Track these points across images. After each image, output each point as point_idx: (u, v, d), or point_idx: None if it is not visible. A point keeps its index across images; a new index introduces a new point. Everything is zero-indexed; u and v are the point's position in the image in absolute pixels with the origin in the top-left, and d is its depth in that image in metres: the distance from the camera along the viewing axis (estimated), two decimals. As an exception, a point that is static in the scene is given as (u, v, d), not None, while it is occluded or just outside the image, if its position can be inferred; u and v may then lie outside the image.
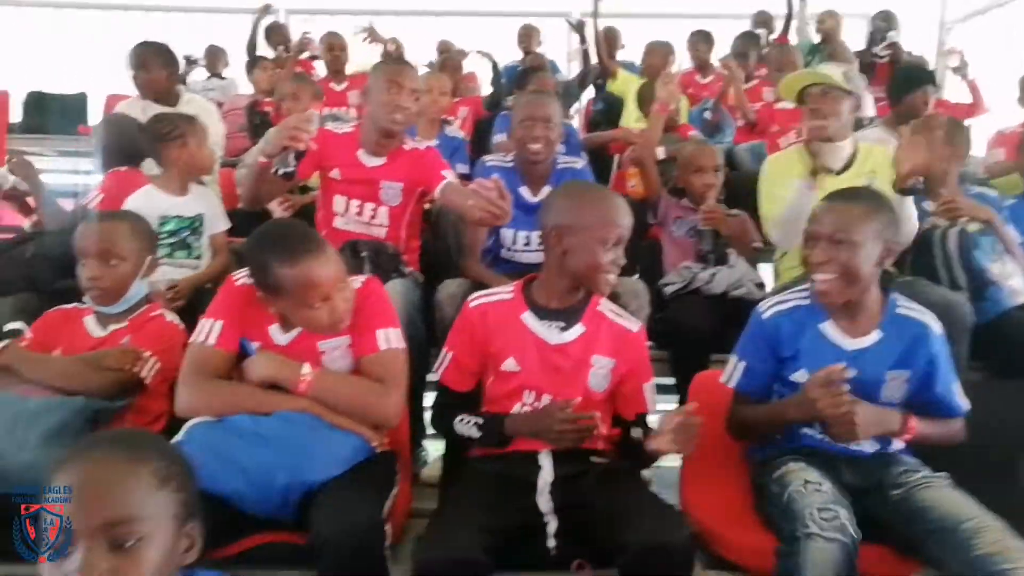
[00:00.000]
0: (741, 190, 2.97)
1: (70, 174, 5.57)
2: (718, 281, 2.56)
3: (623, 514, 1.53)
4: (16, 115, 6.18)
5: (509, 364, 1.74)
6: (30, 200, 3.00)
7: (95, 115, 6.43)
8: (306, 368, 1.65)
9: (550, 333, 1.76)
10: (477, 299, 1.82)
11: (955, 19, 5.66)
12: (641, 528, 1.48)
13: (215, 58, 5.71)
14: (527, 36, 5.34)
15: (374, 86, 2.44)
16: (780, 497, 1.64)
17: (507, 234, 2.65)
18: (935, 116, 2.80)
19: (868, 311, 1.77)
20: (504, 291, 1.84)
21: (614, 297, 2.31)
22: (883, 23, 4.95)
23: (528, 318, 1.77)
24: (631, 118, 4.42)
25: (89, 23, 7.37)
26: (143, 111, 3.31)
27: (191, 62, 5.82)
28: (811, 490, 1.59)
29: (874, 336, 1.76)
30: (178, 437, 1.59)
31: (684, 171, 2.84)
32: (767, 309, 1.85)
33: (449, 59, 5.13)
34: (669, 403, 2.39)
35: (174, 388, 1.90)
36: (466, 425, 1.73)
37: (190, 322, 1.97)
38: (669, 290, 2.62)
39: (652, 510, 1.56)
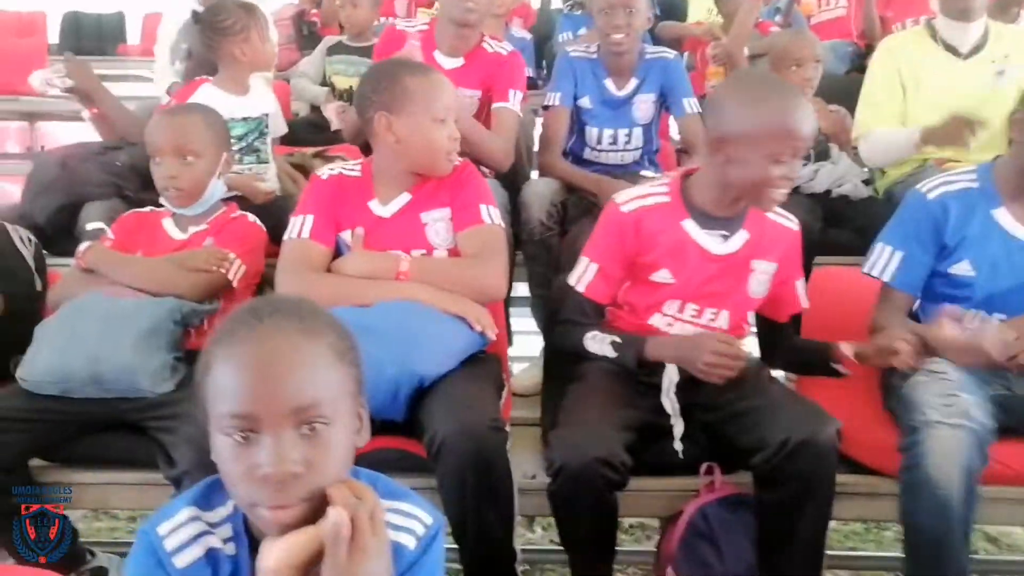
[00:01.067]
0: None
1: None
2: (821, 178, 2.37)
3: (760, 411, 1.43)
4: (53, 37, 6.05)
5: (662, 275, 1.57)
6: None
7: (133, 35, 6.28)
8: (403, 257, 1.60)
9: (713, 242, 1.57)
10: (629, 201, 1.59)
11: None
12: (782, 424, 1.37)
13: None
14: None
15: None
16: (902, 389, 1.52)
17: (592, 132, 2.48)
18: None
19: None
20: (659, 191, 1.60)
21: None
22: None
23: (690, 226, 1.57)
24: (697, 17, 4.14)
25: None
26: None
27: None
28: (935, 378, 1.47)
29: None
30: None
31: (779, 65, 2.60)
32: (932, 189, 1.67)
33: None
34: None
35: (259, 292, 1.84)
36: (598, 343, 1.56)
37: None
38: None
39: (792, 406, 1.45)
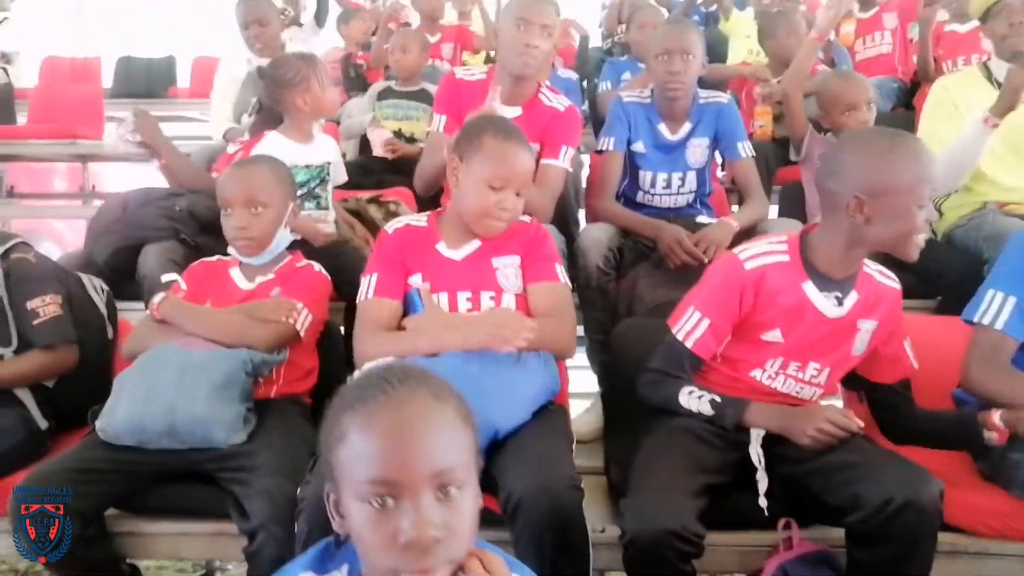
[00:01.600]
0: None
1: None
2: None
3: (855, 467, 1.38)
4: (107, 80, 6.26)
5: (773, 335, 1.53)
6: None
7: (183, 78, 6.47)
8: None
9: (828, 305, 1.52)
10: (753, 258, 1.53)
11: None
12: (882, 483, 1.32)
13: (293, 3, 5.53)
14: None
15: (502, 25, 2.28)
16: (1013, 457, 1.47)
17: (646, 176, 2.48)
18: None
19: None
20: (778, 250, 1.55)
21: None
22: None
23: (809, 288, 1.52)
24: (737, 58, 4.17)
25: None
26: (248, 64, 3.25)
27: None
28: None
29: None
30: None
31: (832, 109, 2.59)
32: None
33: None
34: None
35: (321, 342, 1.86)
36: (695, 400, 1.51)
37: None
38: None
39: (891, 464, 1.39)
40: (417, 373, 0.82)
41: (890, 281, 1.61)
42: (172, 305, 1.73)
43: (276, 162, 1.95)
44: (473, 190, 1.65)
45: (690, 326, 1.54)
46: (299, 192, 2.36)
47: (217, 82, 3.33)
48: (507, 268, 1.70)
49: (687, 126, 2.45)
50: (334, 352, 1.93)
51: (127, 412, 1.55)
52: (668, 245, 2.17)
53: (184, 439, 1.55)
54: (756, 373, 1.58)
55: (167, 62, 6.56)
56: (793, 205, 2.79)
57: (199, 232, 2.40)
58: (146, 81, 6.43)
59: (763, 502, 1.44)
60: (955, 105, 2.37)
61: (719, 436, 1.51)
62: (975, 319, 1.61)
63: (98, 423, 1.57)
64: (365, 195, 2.72)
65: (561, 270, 1.72)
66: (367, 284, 1.68)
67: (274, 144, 2.34)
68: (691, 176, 2.48)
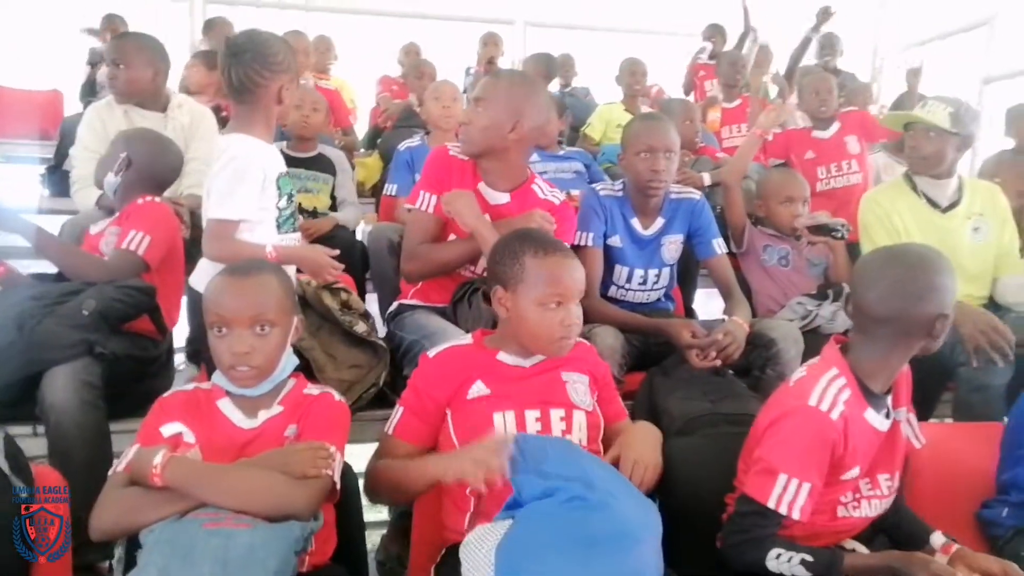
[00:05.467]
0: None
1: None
2: (841, 319, 2.45)
3: None
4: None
5: (853, 472, 1.48)
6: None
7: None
8: None
9: (882, 422, 1.52)
10: (833, 407, 1.45)
11: (891, 48, 6.04)
12: None
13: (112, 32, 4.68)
14: (494, 44, 5.00)
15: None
16: None
17: (622, 271, 2.41)
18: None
19: None
20: (839, 383, 1.48)
21: (769, 344, 2.17)
22: (828, 43, 5.11)
23: (870, 415, 1.51)
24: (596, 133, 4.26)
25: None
26: (125, 116, 2.72)
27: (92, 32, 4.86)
28: None
29: None
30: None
31: (771, 199, 2.71)
32: None
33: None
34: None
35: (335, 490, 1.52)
36: (787, 563, 1.40)
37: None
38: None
39: None
40: None
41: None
42: (186, 469, 1.30)
43: (278, 269, 1.59)
44: (532, 316, 1.53)
45: (790, 496, 1.42)
46: (289, 210, 1.97)
47: (82, 134, 2.74)
48: (576, 384, 1.60)
49: (660, 221, 2.42)
50: (350, 502, 1.57)
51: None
52: (687, 345, 2.08)
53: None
54: (841, 511, 1.52)
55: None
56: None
57: (110, 337, 1.91)
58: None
59: None
60: (889, 216, 2.53)
61: None
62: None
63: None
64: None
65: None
66: (395, 414, 1.59)
67: (247, 147, 1.86)
68: (666, 272, 2.45)
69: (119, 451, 1.89)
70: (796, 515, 1.42)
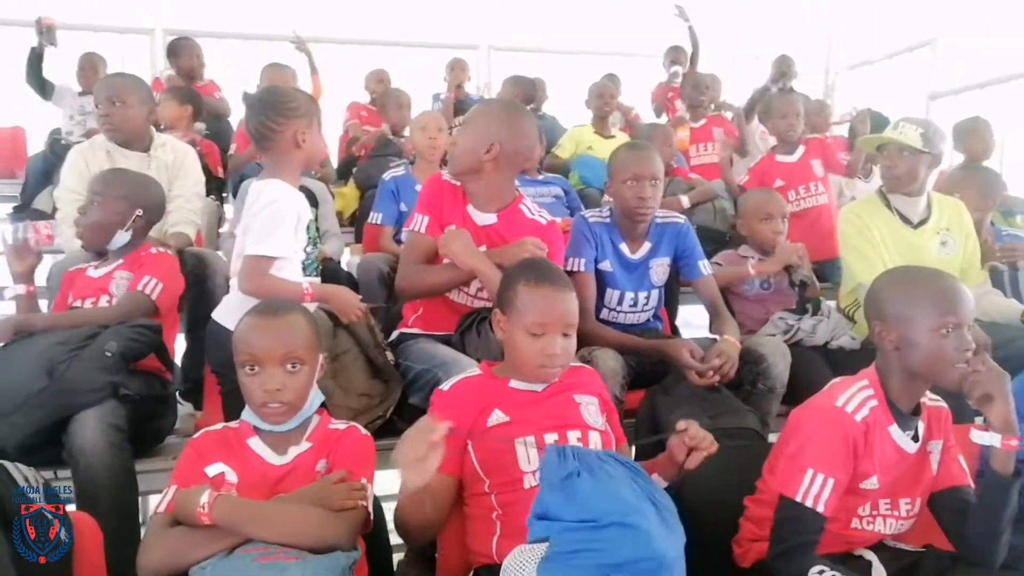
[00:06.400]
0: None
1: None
2: (820, 332, 2.58)
3: None
4: None
5: (871, 482, 1.55)
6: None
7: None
8: None
9: (906, 441, 1.58)
10: (858, 409, 1.54)
11: (841, 67, 6.31)
12: None
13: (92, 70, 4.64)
14: (460, 69, 5.09)
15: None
16: None
17: (613, 294, 2.49)
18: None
19: None
20: (868, 393, 1.57)
21: (759, 360, 2.28)
22: (783, 65, 5.31)
23: (895, 431, 1.57)
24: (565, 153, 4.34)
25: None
26: (108, 157, 2.72)
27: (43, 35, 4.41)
28: None
29: None
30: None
31: (751, 217, 2.84)
32: None
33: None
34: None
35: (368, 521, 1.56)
36: None
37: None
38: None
39: None
40: None
41: (942, 403, 1.69)
42: (233, 506, 1.34)
43: (305, 309, 1.64)
44: (518, 342, 1.61)
45: (816, 490, 1.50)
46: (313, 254, 2.07)
47: (65, 176, 2.73)
48: (589, 406, 1.66)
49: (647, 245, 2.51)
50: (377, 531, 1.61)
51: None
52: (687, 364, 2.17)
53: None
54: (855, 523, 1.60)
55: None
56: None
57: (129, 377, 1.93)
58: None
59: None
60: (867, 228, 2.69)
61: None
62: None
63: None
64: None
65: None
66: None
67: (285, 191, 1.93)
68: (654, 293, 2.54)
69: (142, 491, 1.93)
70: (821, 508, 1.49)
